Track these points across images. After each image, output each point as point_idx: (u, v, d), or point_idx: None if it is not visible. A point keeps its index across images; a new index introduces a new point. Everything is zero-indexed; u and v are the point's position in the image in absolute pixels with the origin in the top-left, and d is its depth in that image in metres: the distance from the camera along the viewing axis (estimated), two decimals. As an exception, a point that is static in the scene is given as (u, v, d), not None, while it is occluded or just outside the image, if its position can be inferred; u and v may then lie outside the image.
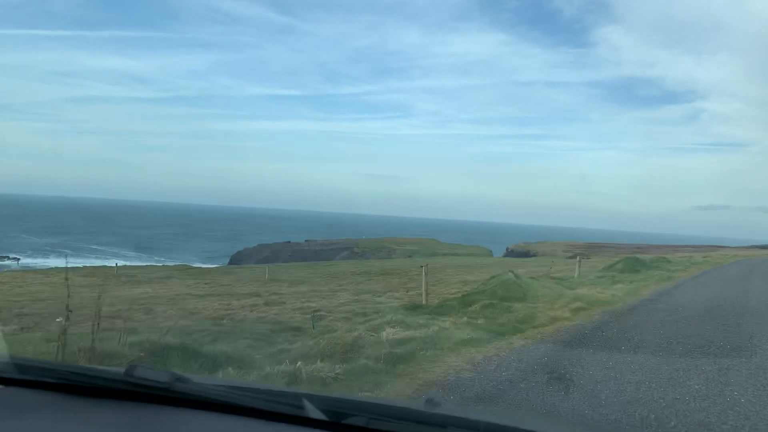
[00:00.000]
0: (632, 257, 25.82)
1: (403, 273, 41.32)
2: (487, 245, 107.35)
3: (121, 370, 1.60)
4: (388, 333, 6.81)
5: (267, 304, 16.39)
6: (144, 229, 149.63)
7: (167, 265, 59.52)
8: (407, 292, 18.23)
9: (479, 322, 8.36)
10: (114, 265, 46.56)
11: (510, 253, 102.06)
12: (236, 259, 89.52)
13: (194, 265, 62.08)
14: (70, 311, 4.98)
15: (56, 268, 54.73)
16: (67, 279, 5.41)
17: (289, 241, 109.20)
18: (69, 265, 57.02)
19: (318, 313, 13.07)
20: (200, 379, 1.78)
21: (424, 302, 12.71)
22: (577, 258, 23.08)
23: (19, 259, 79.15)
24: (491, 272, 37.40)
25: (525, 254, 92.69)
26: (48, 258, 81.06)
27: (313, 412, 1.52)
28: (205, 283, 32.79)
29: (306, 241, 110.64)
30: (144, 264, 64.76)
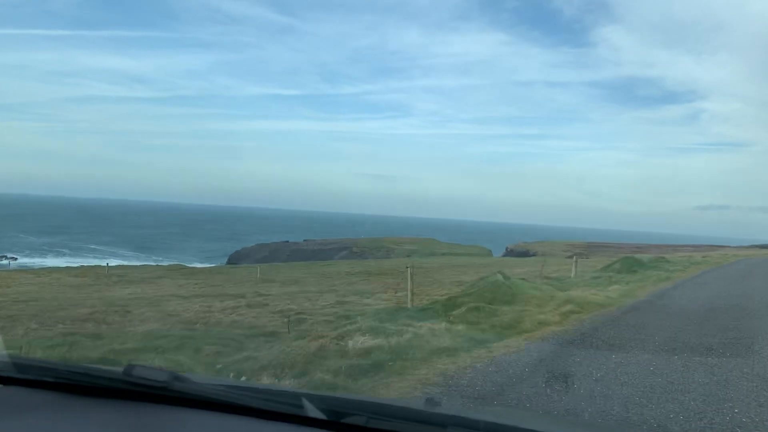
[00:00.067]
0: (630, 257, 25.18)
1: (397, 273, 40.50)
2: (487, 245, 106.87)
3: (120, 369, 1.59)
4: (356, 342, 6.20)
5: (249, 306, 15.76)
6: (143, 228, 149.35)
7: (162, 265, 58.91)
8: (396, 293, 17.59)
9: (459, 328, 7.75)
10: (105, 264, 45.84)
11: (509, 252, 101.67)
12: (235, 259, 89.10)
13: (189, 265, 61.51)
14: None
15: (49, 268, 54.31)
16: None
17: (288, 241, 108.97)
18: (65, 265, 56.69)
19: (299, 316, 12.48)
20: (199, 378, 1.78)
21: (409, 305, 12.11)
22: (574, 258, 22.48)
23: (16, 258, 78.75)
24: (488, 272, 36.92)
25: (524, 254, 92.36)
26: (46, 257, 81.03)
27: (313, 412, 1.51)
28: (195, 284, 32.19)
29: (305, 240, 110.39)
30: (139, 264, 64.21)
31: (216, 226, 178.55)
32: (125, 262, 69.61)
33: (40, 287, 30.19)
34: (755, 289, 17.20)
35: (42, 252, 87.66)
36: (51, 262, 72.13)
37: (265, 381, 4.67)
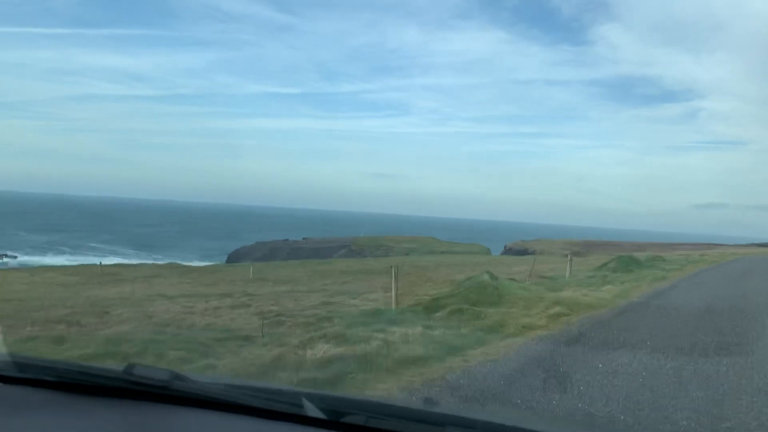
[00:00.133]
0: (626, 256, 24.65)
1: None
2: (487, 243, 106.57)
3: (120, 368, 1.59)
4: (317, 351, 5.70)
5: (233, 306, 15.27)
6: (144, 226, 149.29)
7: (158, 264, 58.54)
8: (385, 293, 17.09)
9: (436, 332, 7.26)
10: (98, 263, 45.38)
11: (508, 251, 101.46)
12: (234, 257, 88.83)
13: (185, 264, 61.18)
14: None
15: (44, 266, 53.93)
16: None
17: (287, 239, 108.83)
18: (65, 263, 56.31)
19: (279, 318, 11.98)
20: (199, 377, 1.76)
21: (393, 306, 11.63)
22: (568, 256, 21.99)
23: (16, 256, 78.75)
24: (486, 270, 36.45)
25: (523, 252, 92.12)
26: (46, 256, 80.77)
27: (312, 411, 1.51)
28: (188, 283, 31.74)
29: (304, 239, 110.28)
30: (136, 262, 63.87)
31: (216, 225, 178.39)
32: (125, 261, 69.28)
33: (31, 286, 29.75)
34: (754, 289, 16.71)
35: (42, 250, 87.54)
36: (51, 260, 71.92)
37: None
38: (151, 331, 10.43)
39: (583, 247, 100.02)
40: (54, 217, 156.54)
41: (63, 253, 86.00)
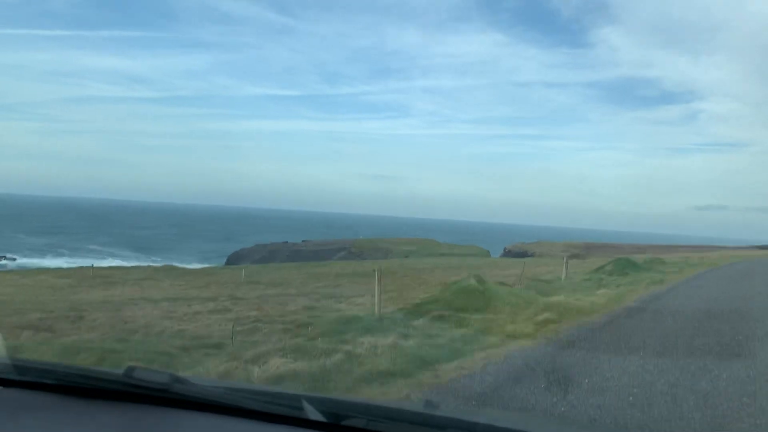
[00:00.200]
0: (624, 258, 24.07)
1: (389, 274, 39.79)
2: (487, 246, 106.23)
3: (120, 371, 1.58)
4: (270, 366, 5.14)
5: (213, 311, 14.71)
6: (143, 229, 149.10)
7: (153, 266, 58.09)
8: (372, 296, 16.53)
9: (410, 343, 6.69)
10: (90, 265, 44.89)
11: (507, 253, 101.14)
12: (233, 260, 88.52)
13: (181, 266, 60.78)
14: None
15: (38, 269, 53.48)
16: None
17: (287, 242, 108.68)
18: (61, 266, 55.79)
19: (256, 324, 11.42)
20: (199, 380, 1.77)
21: (376, 311, 11.06)
22: (564, 259, 21.44)
23: (15, 258, 78.50)
24: (482, 273, 35.86)
25: (522, 254, 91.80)
26: (45, 258, 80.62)
27: (312, 414, 1.51)
28: (179, 285, 31.21)
29: (303, 241, 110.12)
30: (133, 265, 63.42)
31: (215, 227, 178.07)
32: (123, 263, 68.87)
33: (20, 289, 29.23)
34: (755, 293, 16.15)
35: (41, 252, 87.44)
36: (50, 262, 71.59)
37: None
38: (116, 339, 9.88)
39: (583, 249, 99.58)
40: (53, 220, 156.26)
41: (62, 255, 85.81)
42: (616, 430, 4.12)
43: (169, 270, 49.13)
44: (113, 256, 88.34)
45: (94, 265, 46.12)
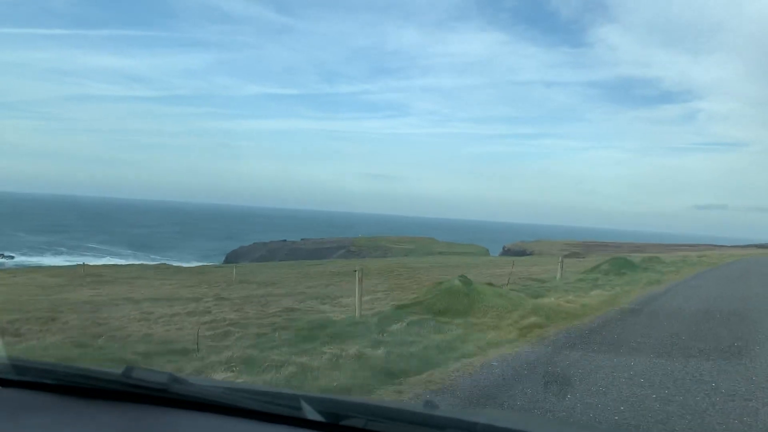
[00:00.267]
0: (620, 258, 23.42)
1: (385, 273, 39.50)
2: (487, 244, 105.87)
3: (119, 371, 1.58)
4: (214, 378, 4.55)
5: (192, 313, 14.10)
6: (142, 227, 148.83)
7: (147, 264, 57.67)
8: (362, 297, 15.93)
9: (379, 352, 6.10)
10: (82, 264, 44.33)
11: (507, 252, 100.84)
12: (232, 258, 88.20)
13: (176, 264, 60.38)
14: None
15: (35, 267, 53.01)
16: None
17: (286, 240, 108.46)
18: (59, 264, 55.29)
19: (231, 328, 10.83)
20: (198, 380, 1.77)
21: (357, 314, 10.49)
22: (560, 258, 20.86)
23: (13, 257, 78.29)
24: (479, 271, 35.31)
25: (522, 253, 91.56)
26: (43, 256, 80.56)
27: (311, 414, 1.51)
28: (169, 285, 30.63)
29: (302, 239, 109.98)
30: (128, 263, 63.01)
31: (215, 225, 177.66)
32: (122, 261, 68.47)
33: (8, 288, 28.66)
34: (755, 294, 15.56)
35: (40, 251, 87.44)
36: (48, 260, 71.40)
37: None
38: (76, 344, 9.31)
39: (582, 248, 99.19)
40: (53, 218, 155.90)
41: (61, 253, 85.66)
42: (615, 430, 4.10)
43: (162, 269, 48.62)
44: (112, 254, 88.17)
45: (86, 264, 45.59)
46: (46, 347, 9.07)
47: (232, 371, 5.02)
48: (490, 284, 11.70)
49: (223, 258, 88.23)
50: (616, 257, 23.83)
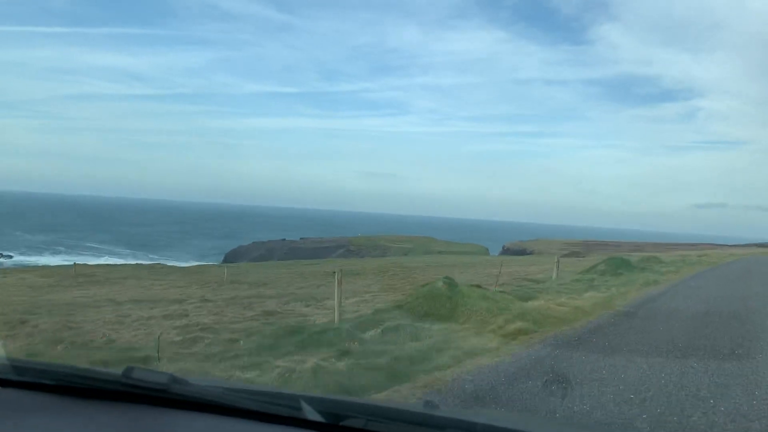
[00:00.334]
0: (617, 257, 22.81)
1: (380, 272, 39.00)
2: (487, 243, 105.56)
3: (119, 371, 1.57)
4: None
5: (170, 316, 13.53)
6: (142, 226, 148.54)
7: (141, 264, 57.22)
8: (347, 299, 15.36)
9: (341, 364, 5.51)
10: (74, 263, 43.81)
11: (506, 251, 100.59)
12: (231, 257, 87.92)
13: (171, 264, 59.95)
14: None
15: (30, 267, 52.52)
16: None
17: (285, 239, 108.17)
18: (57, 264, 54.79)
19: (201, 334, 10.27)
20: (198, 380, 1.73)
21: (336, 319, 9.90)
22: (556, 258, 20.28)
23: (11, 256, 77.89)
24: (475, 271, 34.74)
25: (521, 252, 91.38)
26: (42, 256, 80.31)
27: (311, 414, 1.50)
28: (159, 285, 30.11)
29: (301, 238, 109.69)
30: (125, 262, 62.66)
31: (215, 224, 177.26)
32: (121, 261, 68.08)
33: (-2, 288, 28.23)
34: (753, 293, 14.97)
35: (39, 250, 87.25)
36: (47, 260, 71.03)
37: None
38: (31, 352, 8.74)
39: (582, 247, 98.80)
40: (52, 217, 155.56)
41: (59, 253, 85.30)
42: (615, 430, 4.05)
43: (156, 268, 48.12)
44: (111, 254, 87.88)
45: (79, 264, 45.06)
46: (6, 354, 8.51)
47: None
48: (478, 286, 11.12)
49: (222, 257, 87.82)
50: (614, 257, 23.23)
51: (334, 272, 10.32)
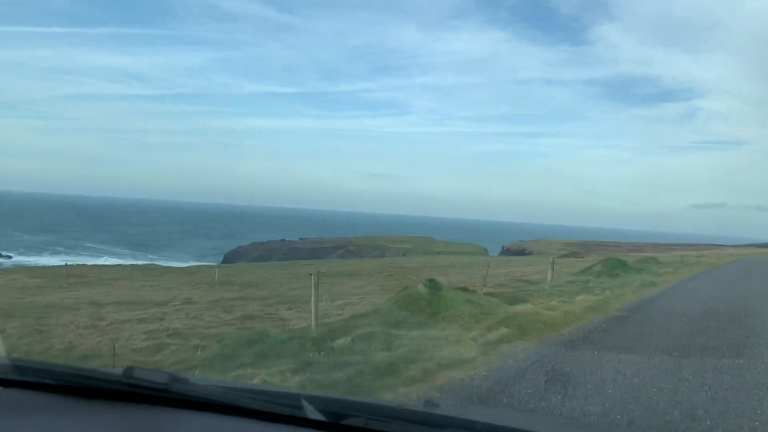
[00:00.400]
0: (613, 258, 22.23)
1: (375, 273, 38.55)
2: (486, 244, 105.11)
3: (119, 371, 1.57)
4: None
5: (145, 320, 12.98)
6: (142, 226, 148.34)
7: (135, 264, 56.86)
8: (332, 302, 14.82)
9: (295, 380, 4.95)
10: (67, 264, 43.34)
11: (506, 251, 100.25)
12: (230, 258, 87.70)
13: (166, 264, 59.60)
14: None
15: (13, 267, 52.10)
16: None
17: (284, 239, 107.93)
18: (55, 264, 54.33)
19: (165, 341, 9.71)
20: (198, 379, 1.75)
21: (312, 324, 9.32)
22: (551, 259, 19.72)
23: (10, 256, 77.65)
24: (472, 272, 34.17)
25: (520, 252, 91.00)
26: (41, 256, 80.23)
27: (312, 413, 1.50)
28: (150, 286, 29.61)
29: (300, 239, 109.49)
30: (122, 262, 62.26)
31: (214, 225, 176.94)
32: (119, 261, 67.68)
33: (-14, 289, 27.72)
34: (757, 297, 14.39)
35: (38, 251, 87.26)
36: (46, 260, 70.83)
37: None
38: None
39: (581, 247, 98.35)
40: (52, 218, 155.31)
41: (58, 253, 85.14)
42: (615, 430, 4.05)
43: (149, 269, 47.63)
44: (110, 254, 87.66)
45: (71, 264, 44.57)
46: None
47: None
48: (464, 289, 10.56)
49: (222, 258, 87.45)
50: (610, 258, 22.67)
51: (311, 274, 9.73)
